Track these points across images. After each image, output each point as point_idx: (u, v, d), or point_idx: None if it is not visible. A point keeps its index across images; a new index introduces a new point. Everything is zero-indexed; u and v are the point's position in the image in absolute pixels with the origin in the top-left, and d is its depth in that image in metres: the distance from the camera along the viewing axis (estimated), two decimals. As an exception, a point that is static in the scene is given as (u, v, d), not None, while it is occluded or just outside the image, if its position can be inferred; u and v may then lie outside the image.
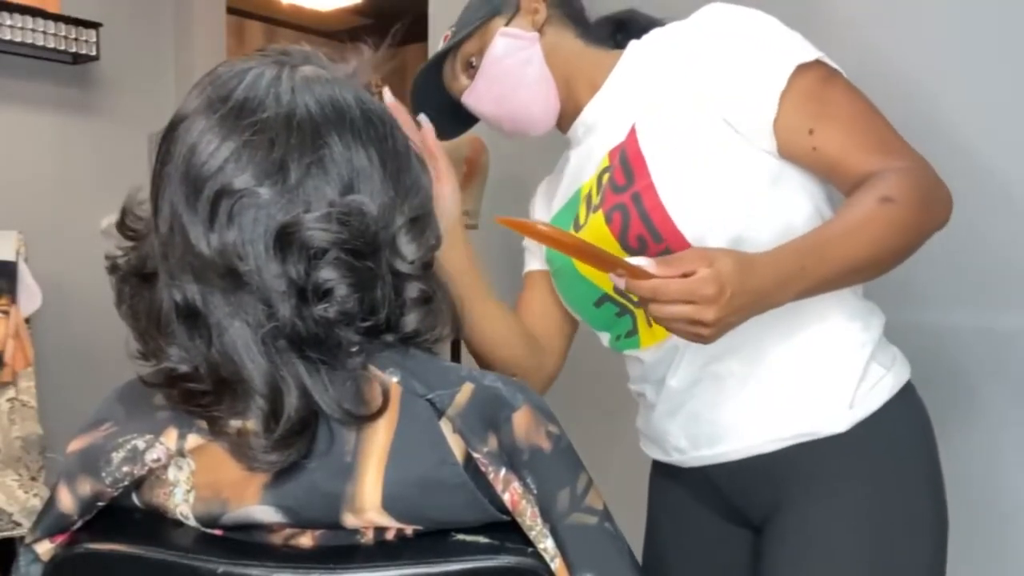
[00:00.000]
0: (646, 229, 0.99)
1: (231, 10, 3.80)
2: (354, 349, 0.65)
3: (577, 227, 1.08)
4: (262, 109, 0.64)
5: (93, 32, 2.92)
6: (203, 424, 0.65)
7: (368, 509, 0.64)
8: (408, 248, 0.67)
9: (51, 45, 2.82)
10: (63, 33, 2.84)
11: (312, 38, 6.18)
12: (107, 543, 0.64)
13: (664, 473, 1.18)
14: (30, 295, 2.65)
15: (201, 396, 0.64)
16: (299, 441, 0.63)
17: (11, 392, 2.57)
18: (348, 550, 0.65)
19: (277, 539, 0.66)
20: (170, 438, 0.65)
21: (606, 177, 1.04)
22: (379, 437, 0.64)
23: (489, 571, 0.64)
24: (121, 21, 3.11)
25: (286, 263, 0.62)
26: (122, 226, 0.69)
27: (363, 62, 0.75)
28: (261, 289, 0.62)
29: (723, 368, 1.03)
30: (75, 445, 0.67)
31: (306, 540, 0.66)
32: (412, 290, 0.67)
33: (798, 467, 1.00)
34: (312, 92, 0.66)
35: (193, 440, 0.65)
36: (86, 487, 0.66)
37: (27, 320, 2.64)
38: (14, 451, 2.45)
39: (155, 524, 0.67)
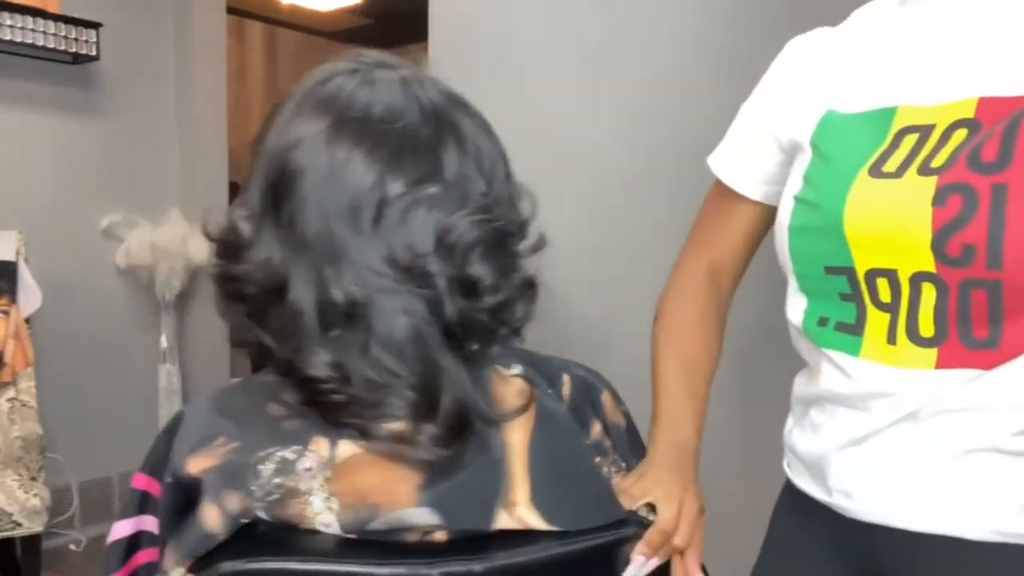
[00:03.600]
0: (987, 241, 0.71)
1: (231, 10, 3.80)
2: (492, 344, 0.67)
3: (876, 170, 0.79)
4: (398, 114, 0.65)
5: (93, 32, 2.92)
6: (349, 430, 0.64)
7: (519, 504, 0.65)
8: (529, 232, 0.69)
9: (51, 45, 2.82)
10: (63, 33, 2.85)
11: (312, 38, 6.17)
12: (257, 560, 0.61)
13: (802, 509, 0.92)
14: (30, 295, 2.65)
15: (346, 403, 0.63)
16: (459, 440, 0.63)
17: (11, 392, 2.56)
18: (483, 538, 0.65)
19: (413, 537, 0.65)
20: (320, 446, 0.64)
21: (963, 135, 0.75)
22: (517, 433, 0.66)
23: (620, 542, 0.68)
24: (121, 21, 3.12)
25: (447, 260, 0.62)
26: (225, 244, 0.67)
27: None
28: (424, 287, 0.62)
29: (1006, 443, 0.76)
30: (200, 464, 0.64)
31: (440, 535, 0.65)
32: (519, 277, 0.68)
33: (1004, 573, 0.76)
34: (427, 89, 0.68)
35: (346, 447, 0.64)
36: (235, 503, 0.63)
37: (27, 320, 2.63)
38: (14, 451, 2.45)
39: (290, 535, 0.64)
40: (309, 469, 0.63)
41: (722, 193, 0.99)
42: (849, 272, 0.81)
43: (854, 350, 0.82)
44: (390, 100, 0.66)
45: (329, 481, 0.63)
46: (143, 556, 0.66)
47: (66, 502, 2.96)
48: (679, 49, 1.87)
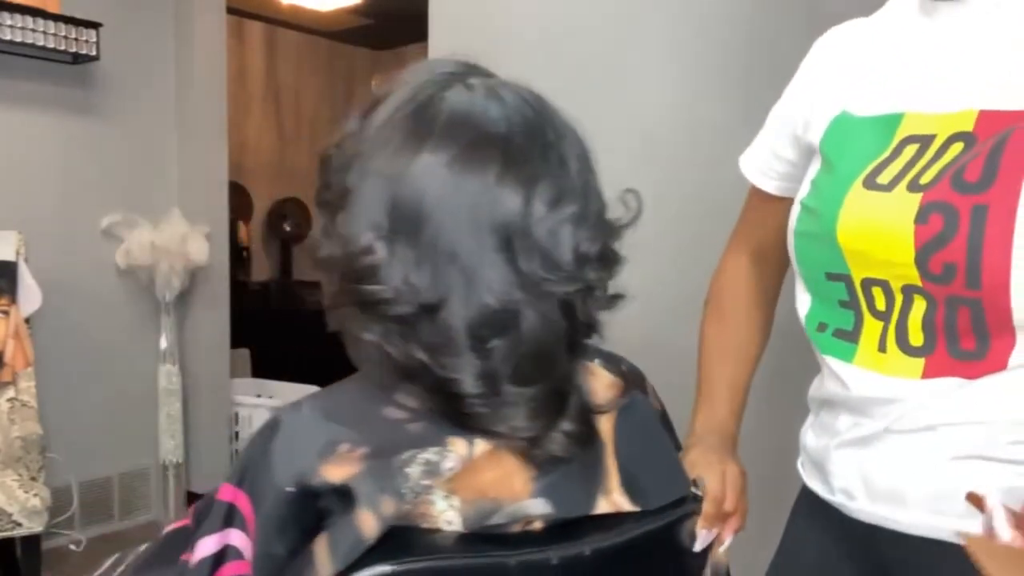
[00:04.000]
0: (967, 262, 0.71)
1: (231, 10, 3.80)
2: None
3: (871, 182, 0.79)
4: (527, 128, 0.66)
5: (93, 32, 2.92)
6: (479, 430, 0.66)
7: (614, 490, 0.69)
8: None
9: (51, 45, 2.82)
10: (63, 33, 2.85)
11: (312, 38, 6.18)
12: (407, 561, 0.62)
13: (815, 511, 0.92)
14: (30, 295, 2.65)
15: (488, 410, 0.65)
16: (588, 436, 0.68)
17: (11, 392, 2.57)
18: (577, 523, 0.68)
19: (517, 528, 0.67)
20: (458, 446, 0.65)
21: (958, 149, 0.75)
22: (605, 421, 0.71)
23: (686, 517, 0.75)
24: (121, 21, 3.12)
25: (581, 269, 0.65)
26: (356, 268, 0.65)
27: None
28: (563, 296, 0.65)
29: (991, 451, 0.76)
30: (342, 472, 0.63)
31: (538, 524, 0.68)
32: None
33: None
34: (532, 96, 0.69)
35: (481, 445, 0.65)
36: (389, 508, 0.62)
37: (27, 320, 2.63)
38: (14, 451, 2.45)
39: (418, 535, 0.64)
40: (451, 469, 0.64)
41: (756, 190, 1.03)
42: (847, 280, 0.83)
43: (849, 357, 0.84)
44: (518, 114, 0.67)
45: (447, 480, 0.64)
46: (229, 571, 0.64)
47: (66, 502, 2.97)
48: (679, 48, 1.87)
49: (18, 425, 2.50)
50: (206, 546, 0.64)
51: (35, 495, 2.36)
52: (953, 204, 0.72)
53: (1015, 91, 0.74)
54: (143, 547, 0.75)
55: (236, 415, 3.68)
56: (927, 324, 0.77)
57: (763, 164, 1.00)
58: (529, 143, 0.66)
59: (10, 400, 2.56)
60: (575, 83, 1.97)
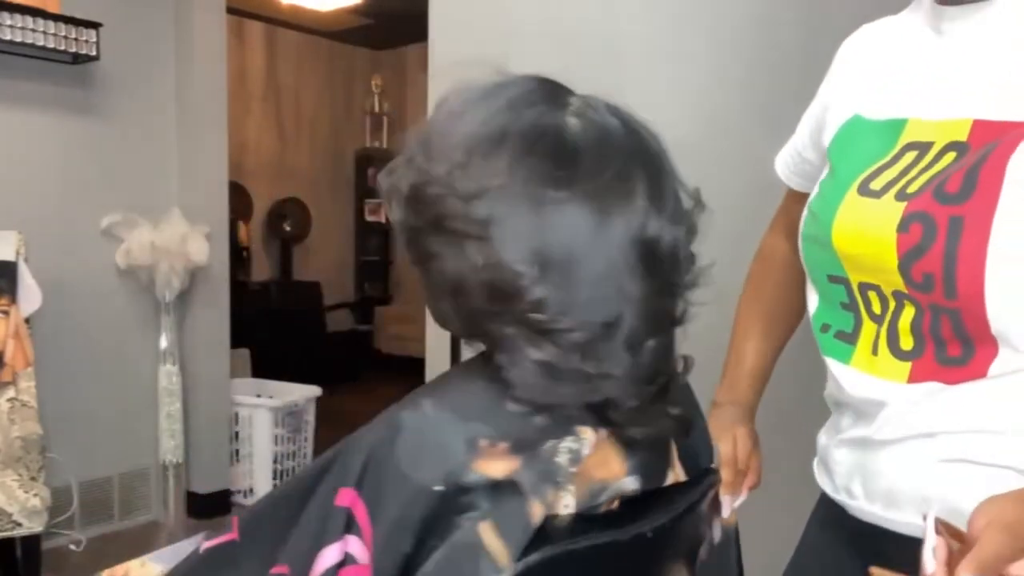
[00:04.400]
0: (943, 272, 0.72)
1: (231, 10, 3.80)
2: None
3: (864, 188, 0.81)
4: (641, 148, 0.69)
5: (93, 32, 2.92)
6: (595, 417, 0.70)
7: (676, 462, 0.75)
8: None
9: (51, 45, 2.82)
10: (63, 33, 2.85)
11: (312, 38, 6.18)
12: (563, 544, 0.66)
13: (828, 513, 0.92)
14: (30, 295, 2.65)
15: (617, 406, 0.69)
16: (688, 417, 0.75)
17: (11, 392, 2.57)
18: (656, 493, 0.73)
19: (605, 506, 0.71)
20: (588, 434, 0.68)
21: (951, 158, 0.75)
22: None
23: (714, 485, 0.81)
24: (121, 21, 3.12)
25: (684, 272, 0.70)
26: (506, 292, 0.67)
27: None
28: (673, 299, 0.71)
29: (959, 450, 0.77)
30: (499, 468, 0.64)
31: (616, 501, 0.72)
32: None
33: None
34: (610, 106, 0.73)
35: (602, 433, 0.69)
36: (551, 496, 0.65)
37: (27, 320, 2.64)
38: (14, 451, 2.45)
39: (543, 520, 0.68)
40: (586, 454, 0.67)
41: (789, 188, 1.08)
42: (846, 283, 0.84)
43: (847, 358, 0.85)
44: (629, 127, 0.70)
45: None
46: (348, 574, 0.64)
47: (66, 502, 2.96)
48: (678, 48, 1.87)
49: (18, 425, 2.50)
50: (330, 556, 0.64)
51: (35, 495, 2.36)
52: (932, 215, 0.73)
53: (1009, 101, 0.74)
54: (175, 569, 0.75)
55: (236, 415, 3.68)
56: (915, 329, 0.78)
57: (791, 163, 1.04)
58: (649, 157, 0.69)
59: (10, 400, 2.56)
60: (576, 84, 1.97)
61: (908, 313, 0.78)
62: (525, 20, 2.06)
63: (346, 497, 0.65)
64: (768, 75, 1.76)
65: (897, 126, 0.82)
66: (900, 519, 0.82)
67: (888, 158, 0.81)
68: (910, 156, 0.79)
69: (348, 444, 0.68)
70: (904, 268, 0.75)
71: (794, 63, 1.51)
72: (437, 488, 0.62)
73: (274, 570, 0.66)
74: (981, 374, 0.75)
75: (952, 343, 0.76)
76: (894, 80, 0.85)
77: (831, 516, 0.92)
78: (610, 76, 1.94)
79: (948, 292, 0.72)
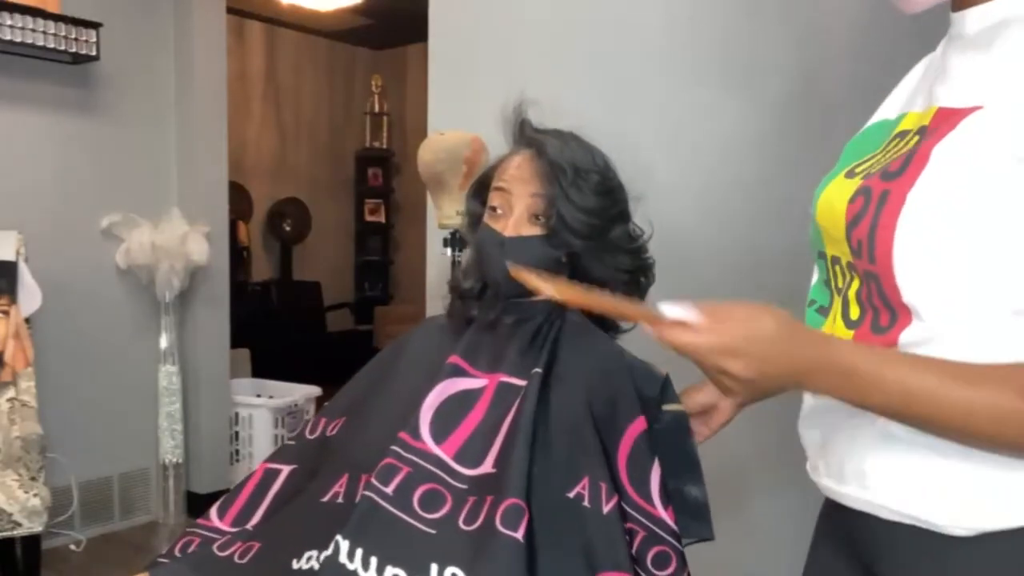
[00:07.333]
0: (868, 237, 0.78)
1: (231, 10, 3.80)
2: None
3: (851, 172, 0.86)
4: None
5: (93, 32, 2.92)
6: None
7: None
8: None
9: (51, 45, 2.82)
10: (63, 33, 2.85)
11: (312, 38, 6.18)
12: None
13: (828, 511, 0.95)
14: (30, 295, 2.65)
15: None
16: None
17: (11, 392, 2.57)
18: None
19: None
20: None
21: (914, 142, 0.80)
22: None
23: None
24: (121, 21, 3.12)
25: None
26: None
27: None
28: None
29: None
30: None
31: None
32: None
33: (905, 558, 0.80)
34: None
35: None
36: None
37: (27, 320, 2.64)
38: (14, 451, 2.45)
39: None
40: None
41: None
42: (824, 258, 0.90)
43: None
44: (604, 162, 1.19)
45: None
46: None
47: (66, 502, 2.96)
48: (677, 48, 1.87)
49: (18, 425, 2.50)
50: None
51: (35, 495, 2.36)
52: (872, 188, 0.80)
53: (967, 89, 0.78)
54: None
55: (236, 415, 3.68)
56: (858, 298, 0.82)
57: None
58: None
59: (10, 400, 2.56)
60: (576, 84, 1.97)
61: (855, 284, 0.83)
62: (525, 20, 2.06)
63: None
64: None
65: (896, 121, 0.87)
66: (846, 491, 0.84)
67: (879, 148, 0.86)
68: (894, 144, 0.84)
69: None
70: (848, 235, 0.81)
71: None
72: None
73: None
74: (893, 342, 0.78)
75: (883, 312, 0.79)
76: (909, 82, 0.91)
77: (828, 510, 0.94)
78: (610, 75, 1.94)
79: (871, 257, 0.78)
